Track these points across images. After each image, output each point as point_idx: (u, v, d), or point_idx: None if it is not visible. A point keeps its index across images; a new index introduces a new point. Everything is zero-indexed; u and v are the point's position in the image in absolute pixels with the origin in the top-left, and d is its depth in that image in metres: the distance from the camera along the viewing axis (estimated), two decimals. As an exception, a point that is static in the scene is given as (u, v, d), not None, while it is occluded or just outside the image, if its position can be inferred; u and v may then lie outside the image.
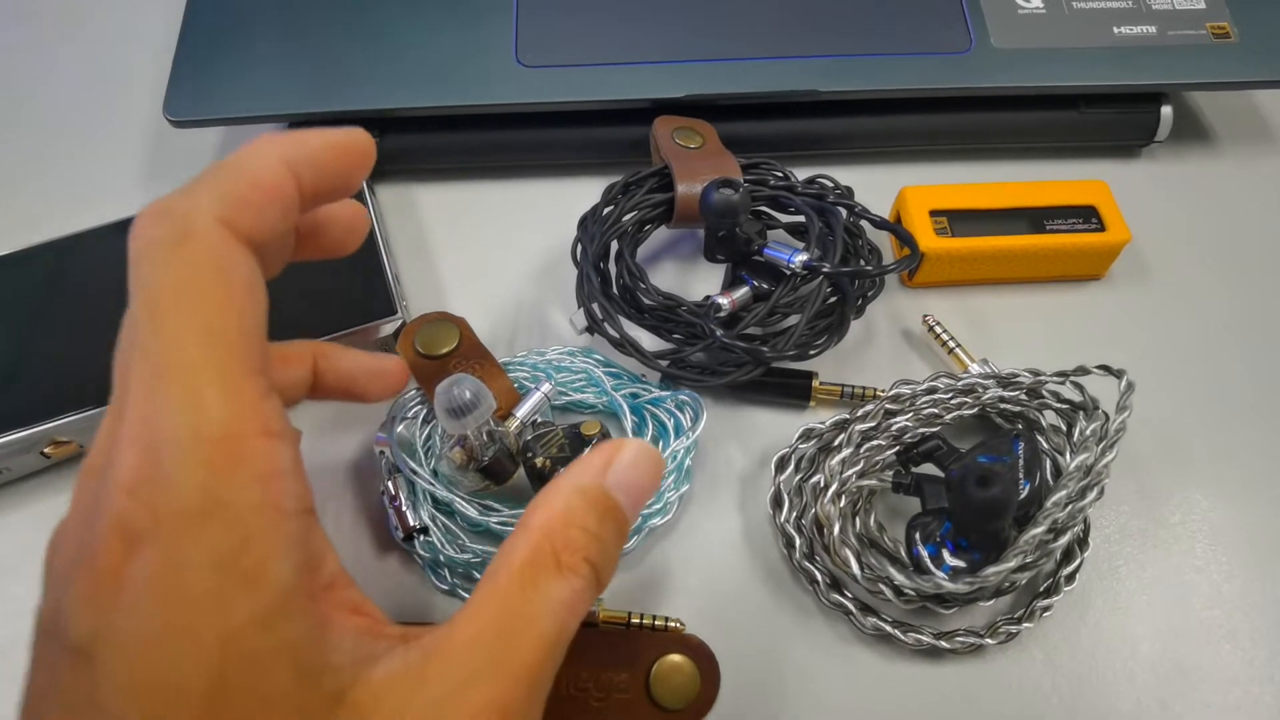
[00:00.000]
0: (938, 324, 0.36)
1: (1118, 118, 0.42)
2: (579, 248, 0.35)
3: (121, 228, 0.39)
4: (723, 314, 0.33)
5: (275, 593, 0.18)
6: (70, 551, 0.19)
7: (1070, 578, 0.31)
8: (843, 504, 0.30)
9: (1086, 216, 0.38)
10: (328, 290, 0.37)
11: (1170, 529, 0.33)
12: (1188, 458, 0.35)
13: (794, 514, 0.32)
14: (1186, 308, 0.39)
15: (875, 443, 0.31)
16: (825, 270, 0.33)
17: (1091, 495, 0.30)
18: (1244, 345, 0.38)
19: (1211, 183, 0.43)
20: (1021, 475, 0.29)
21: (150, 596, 0.17)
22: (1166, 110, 0.42)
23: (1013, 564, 0.28)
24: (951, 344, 0.35)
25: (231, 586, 0.17)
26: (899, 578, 0.29)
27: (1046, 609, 0.30)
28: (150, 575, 0.17)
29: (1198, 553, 0.33)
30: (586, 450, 0.30)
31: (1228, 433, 0.36)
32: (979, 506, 0.27)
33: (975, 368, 0.35)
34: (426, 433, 0.33)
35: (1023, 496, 0.29)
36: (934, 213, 0.37)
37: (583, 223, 0.36)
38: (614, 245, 0.36)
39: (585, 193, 0.40)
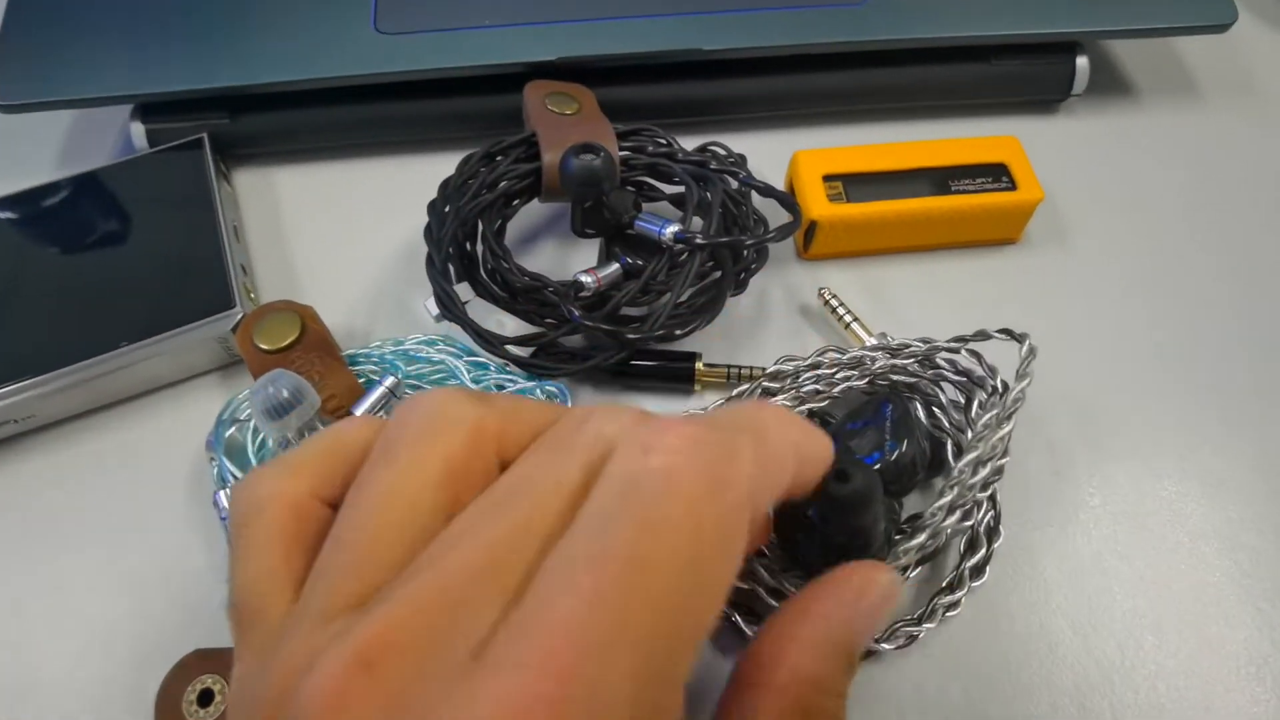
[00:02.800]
0: (834, 297, 0.33)
1: (1031, 70, 0.39)
2: (430, 225, 0.32)
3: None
4: (587, 293, 0.30)
5: None
6: None
7: (977, 570, 0.27)
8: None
9: (996, 175, 0.35)
10: (160, 286, 0.33)
11: (1090, 511, 0.31)
12: (1109, 433, 0.32)
13: None
14: (1108, 271, 0.36)
15: None
16: (697, 242, 0.29)
17: (983, 472, 0.26)
18: (1167, 310, 0.35)
19: (1133, 138, 0.41)
20: (888, 437, 0.26)
21: None
22: (1082, 61, 0.39)
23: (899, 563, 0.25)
24: (848, 318, 0.32)
25: None
26: (770, 583, 0.26)
27: (951, 606, 0.27)
28: None
29: (1120, 537, 0.30)
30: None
31: (1150, 404, 0.33)
32: (838, 504, 0.24)
33: (872, 342, 0.31)
34: (261, 438, 0.30)
35: (892, 459, 0.26)
36: (828, 177, 0.34)
37: (433, 204, 0.32)
38: (480, 224, 0.33)
39: (455, 168, 0.36)
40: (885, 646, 0.26)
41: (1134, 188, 0.39)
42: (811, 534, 0.23)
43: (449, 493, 0.16)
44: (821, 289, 0.33)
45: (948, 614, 0.27)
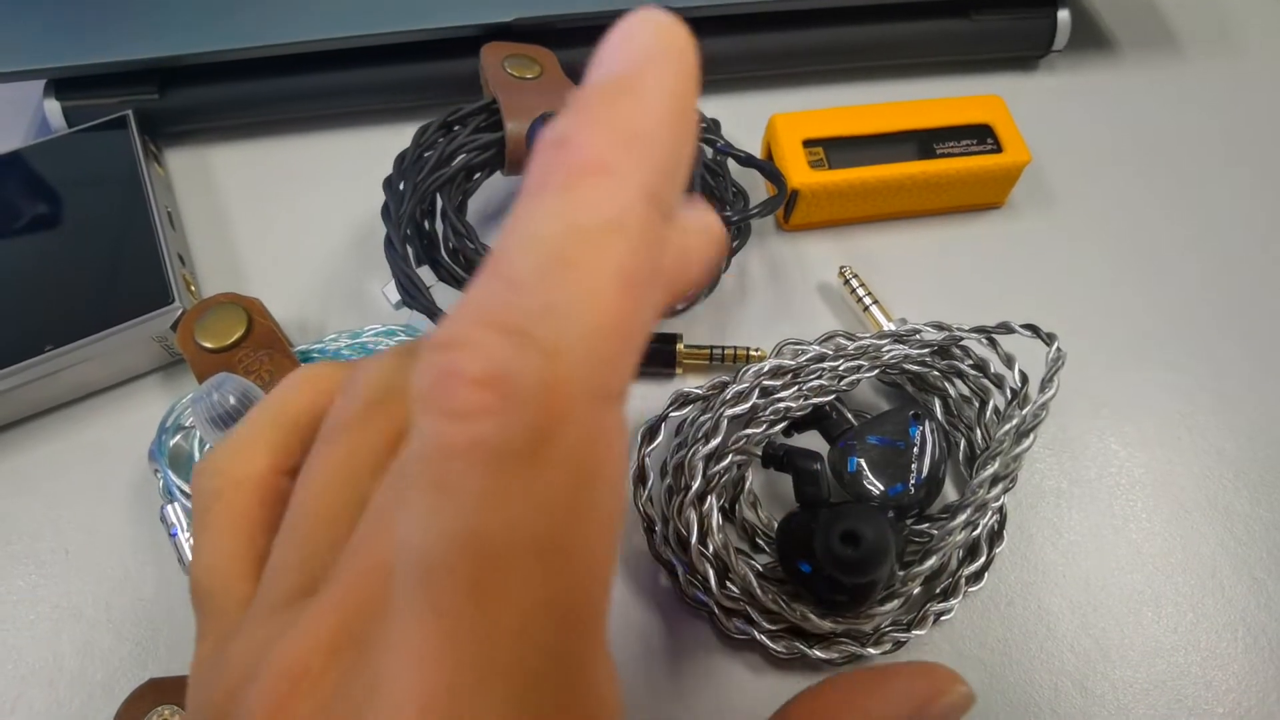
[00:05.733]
0: (855, 276, 0.31)
1: (1012, 24, 0.38)
2: (387, 204, 0.29)
3: None
4: (559, 276, 0.28)
5: None
6: None
7: (975, 577, 0.26)
8: (706, 506, 0.25)
9: (981, 136, 0.34)
10: (89, 282, 0.30)
11: (1086, 485, 0.30)
12: (1103, 402, 0.31)
13: (664, 490, 0.27)
14: (1095, 234, 0.35)
15: (749, 432, 0.26)
16: (676, 216, 0.27)
17: (998, 488, 0.25)
18: (1158, 273, 0.34)
19: (1115, 93, 0.39)
20: (913, 464, 0.24)
21: None
22: (1063, 15, 0.38)
23: (896, 604, 0.24)
24: (868, 300, 0.30)
25: None
26: (765, 601, 0.24)
27: (944, 613, 0.26)
28: None
29: (1116, 510, 0.29)
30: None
31: (1142, 372, 0.32)
32: (846, 565, 0.22)
33: (890, 328, 0.29)
34: (209, 446, 0.27)
35: (917, 494, 0.24)
36: (808, 142, 0.32)
37: (388, 180, 0.30)
38: (439, 200, 0.30)
39: (409, 141, 0.33)
40: (871, 651, 0.25)
41: (1117, 146, 0.38)
42: (817, 576, 0.22)
43: None
44: (843, 267, 0.31)
45: (941, 619, 0.26)
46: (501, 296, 0.10)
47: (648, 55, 0.11)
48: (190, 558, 0.17)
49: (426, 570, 0.10)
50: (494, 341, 0.09)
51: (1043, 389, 0.25)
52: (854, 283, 0.31)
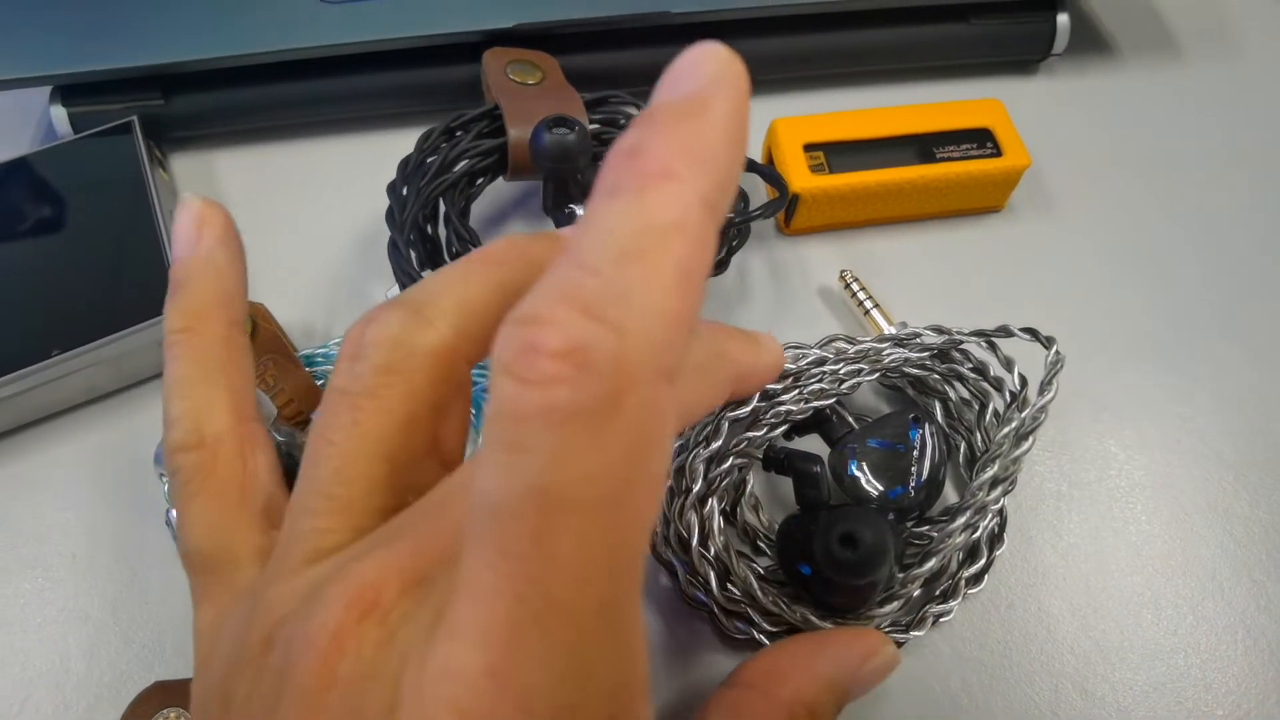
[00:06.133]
0: (855, 280, 0.31)
1: (1011, 28, 0.38)
2: (391, 209, 0.30)
3: None
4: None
5: None
6: None
7: (975, 579, 0.26)
8: (707, 509, 0.25)
9: (981, 140, 0.34)
10: (94, 287, 0.30)
11: (1085, 488, 0.30)
12: (1102, 405, 0.31)
13: (665, 492, 0.27)
14: (1095, 238, 0.35)
15: (750, 435, 0.26)
16: (677, 220, 0.28)
17: (998, 490, 0.25)
18: (1158, 276, 0.34)
19: (1115, 97, 0.40)
20: (913, 467, 0.25)
21: None
22: (1062, 19, 0.38)
23: (895, 605, 0.24)
24: (869, 304, 0.31)
25: None
26: (766, 604, 0.24)
27: (944, 615, 0.26)
28: None
29: (1115, 513, 0.29)
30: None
31: (1141, 375, 0.32)
32: (844, 567, 0.23)
33: (891, 332, 0.30)
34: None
35: (918, 496, 0.25)
36: (808, 147, 0.33)
37: (392, 185, 0.30)
38: (442, 205, 0.31)
39: (411, 146, 0.34)
40: None
41: (1117, 149, 0.38)
42: (816, 578, 0.22)
43: (423, 428, 0.16)
44: (844, 271, 0.32)
45: (940, 621, 0.26)
46: (580, 281, 0.11)
47: (712, 82, 0.12)
48: (181, 529, 0.17)
49: (495, 516, 0.11)
50: (573, 319, 0.11)
51: (1042, 392, 0.25)
52: (854, 286, 0.31)
